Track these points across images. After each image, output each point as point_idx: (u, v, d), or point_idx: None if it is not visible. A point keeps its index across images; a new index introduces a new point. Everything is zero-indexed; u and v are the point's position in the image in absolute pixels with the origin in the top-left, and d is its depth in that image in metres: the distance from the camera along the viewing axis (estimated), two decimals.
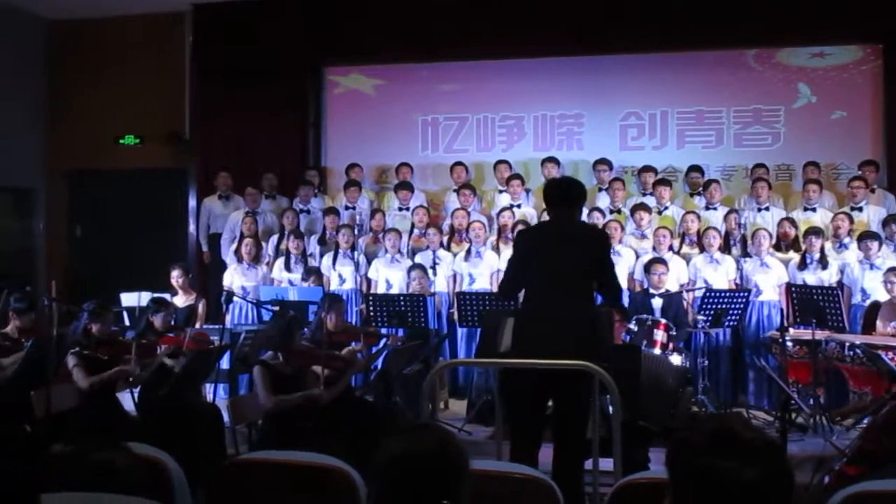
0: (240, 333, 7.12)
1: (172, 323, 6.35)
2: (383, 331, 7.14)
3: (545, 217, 7.97)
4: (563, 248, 4.48)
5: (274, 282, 8.36)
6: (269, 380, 5.24)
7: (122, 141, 10.55)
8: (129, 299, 8.03)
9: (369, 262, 8.42)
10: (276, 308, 6.57)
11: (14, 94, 10.21)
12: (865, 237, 7.54)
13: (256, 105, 10.26)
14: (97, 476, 2.09)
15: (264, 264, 8.54)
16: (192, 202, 10.26)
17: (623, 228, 8.17)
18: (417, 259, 8.22)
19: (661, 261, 7.57)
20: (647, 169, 9.04)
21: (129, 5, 9.97)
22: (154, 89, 10.41)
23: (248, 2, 9.89)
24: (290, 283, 8.25)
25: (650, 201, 8.60)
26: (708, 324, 7.11)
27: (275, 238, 8.88)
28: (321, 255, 8.56)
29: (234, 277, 8.36)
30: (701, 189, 8.75)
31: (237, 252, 8.50)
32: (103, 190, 10.59)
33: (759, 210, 8.40)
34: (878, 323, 6.95)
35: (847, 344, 6.72)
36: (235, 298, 7.72)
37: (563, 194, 4.70)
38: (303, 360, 5.48)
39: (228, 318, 7.72)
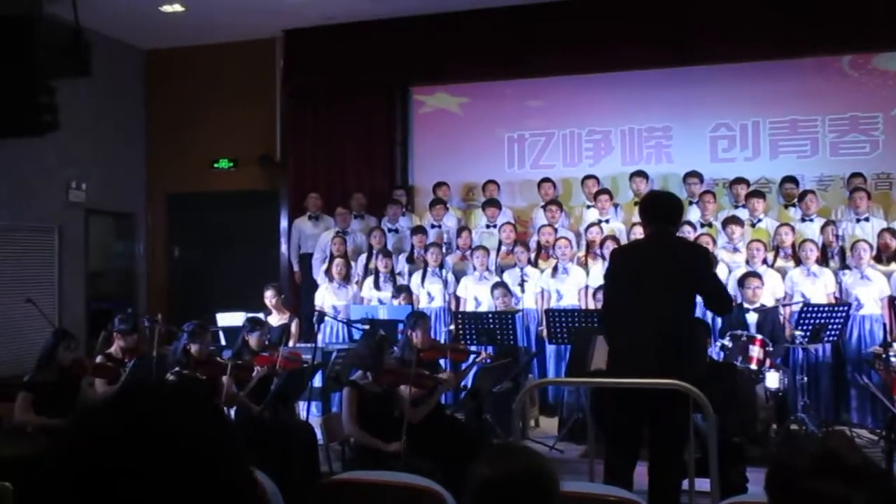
0: (331, 352, 7.24)
1: (267, 342, 6.49)
2: (472, 348, 7.15)
3: (635, 231, 7.95)
4: (661, 266, 4.36)
5: (364, 300, 8.47)
6: (356, 402, 5.29)
7: (216, 165, 10.91)
8: (225, 319, 8.27)
9: (458, 280, 8.46)
10: (366, 327, 6.67)
11: (115, 122, 10.69)
12: None
13: (344, 127, 10.52)
14: None
15: (354, 283, 8.67)
16: (284, 223, 10.52)
17: (715, 242, 8.00)
18: (505, 276, 8.23)
19: (756, 274, 7.38)
20: (739, 181, 8.85)
21: (222, 33, 10.32)
22: (246, 114, 10.75)
23: (335, 26, 10.11)
24: (380, 301, 8.35)
25: (743, 214, 8.41)
26: (806, 339, 6.88)
27: (364, 257, 9.01)
28: (410, 274, 8.65)
29: (326, 297, 8.51)
30: (796, 200, 8.51)
31: (328, 271, 8.66)
32: (199, 212, 10.96)
33: (858, 221, 8.11)
34: None
35: None
36: (327, 318, 7.86)
37: (661, 210, 4.56)
38: (392, 379, 5.53)
39: (320, 336, 7.86)
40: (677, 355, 4.19)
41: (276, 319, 7.91)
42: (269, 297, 8.04)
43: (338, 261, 8.58)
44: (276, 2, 9.11)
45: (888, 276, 7.50)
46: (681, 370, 4.03)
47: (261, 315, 7.57)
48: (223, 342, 7.68)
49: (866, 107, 9.14)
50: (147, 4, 9.36)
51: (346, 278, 8.57)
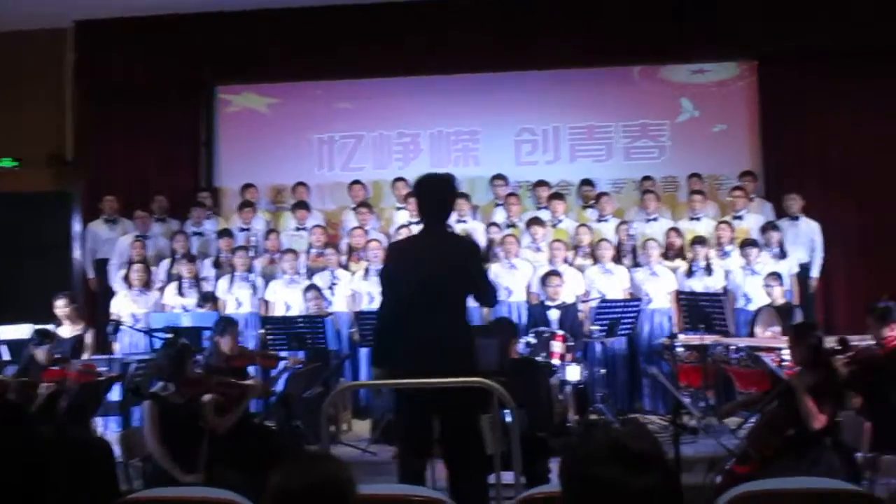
0: (130, 363, 6.88)
1: (58, 355, 6.08)
2: (283, 354, 7.02)
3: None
4: (437, 263, 4.28)
5: (166, 308, 8.13)
6: (158, 416, 5.05)
7: None
8: (9, 332, 7.65)
9: (266, 284, 8.29)
10: (168, 335, 6.39)
11: None
12: (746, 245, 7.90)
13: (145, 125, 10.04)
14: None
15: (156, 290, 8.30)
16: (77, 227, 9.88)
17: (519, 242, 8.29)
18: (316, 279, 8.15)
19: (557, 273, 7.73)
20: (541, 183, 9.23)
21: (4, 22, 9.55)
22: (34, 109, 10.00)
23: (134, 18, 9.62)
24: (184, 308, 8.03)
25: (545, 215, 8.77)
26: (603, 333, 7.28)
27: (166, 262, 8.63)
28: (216, 279, 8.38)
29: (124, 304, 8.10)
30: (593, 202, 8.99)
31: (126, 278, 8.24)
32: None
33: (648, 221, 8.68)
34: (757, 328, 7.28)
35: (733, 347, 6.99)
36: (123, 327, 7.47)
37: (436, 197, 4.43)
38: (196, 388, 5.32)
39: (118, 347, 7.47)
40: (462, 352, 4.24)
41: (68, 331, 7.42)
42: (61, 306, 7.51)
43: (137, 266, 8.18)
44: None
45: (674, 271, 8.07)
46: (468, 367, 4.10)
47: (51, 326, 7.07)
48: (8, 357, 7.11)
49: (655, 115, 9.80)
50: None
51: (147, 285, 8.20)
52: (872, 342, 5.76)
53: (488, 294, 4.55)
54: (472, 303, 4.61)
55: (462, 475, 4.24)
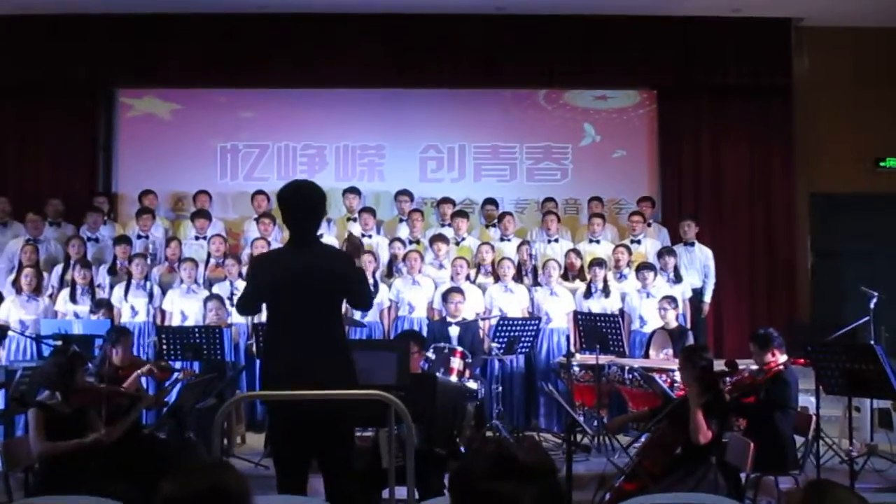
0: (16, 371, 6.59)
1: None
2: (177, 364, 6.85)
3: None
4: (308, 274, 4.08)
5: (58, 314, 7.84)
6: (43, 423, 4.87)
7: None
8: None
9: (164, 293, 8.09)
10: (58, 343, 6.15)
11: None
12: (642, 268, 8.13)
13: (40, 126, 9.78)
14: None
15: (47, 296, 8.00)
16: None
17: (422, 258, 8.33)
18: (215, 290, 7.99)
19: (459, 290, 7.79)
20: (446, 201, 9.32)
21: None
22: None
23: (32, 16, 9.30)
24: (77, 315, 7.76)
25: (448, 232, 8.84)
26: (502, 351, 7.36)
27: (59, 268, 8.33)
28: (111, 287, 8.13)
29: (12, 310, 7.77)
30: (496, 221, 9.12)
31: (16, 283, 7.91)
32: None
33: (549, 241, 8.86)
34: (651, 351, 7.50)
35: (627, 367, 7.17)
36: (11, 333, 7.18)
37: (303, 207, 4.19)
38: (84, 398, 5.14)
39: (3, 353, 7.14)
40: (339, 366, 4.10)
41: None
42: None
43: (28, 271, 7.86)
44: None
45: (573, 292, 8.24)
46: (347, 380, 4.02)
47: None
48: None
49: (558, 138, 10.07)
50: None
51: (37, 290, 7.89)
52: (755, 367, 6.01)
53: (363, 296, 4.35)
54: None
55: (342, 489, 4.18)
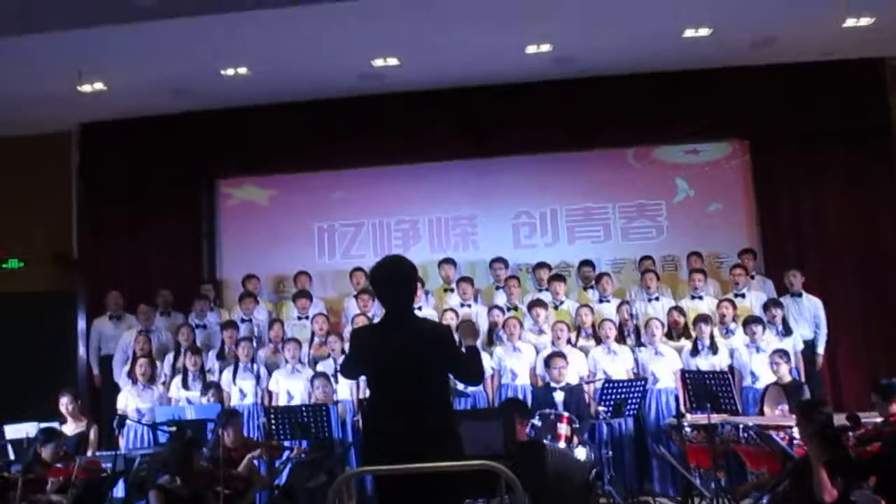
0: (135, 458, 6.82)
1: (62, 453, 6.04)
2: (286, 444, 6.98)
3: (447, 317, 8.13)
4: (403, 348, 4.08)
5: (172, 401, 8.10)
6: None
7: (5, 266, 10.22)
8: (14, 431, 7.60)
9: (270, 375, 8.28)
10: (173, 429, 6.36)
11: None
12: (750, 322, 7.91)
13: (148, 221, 10.25)
14: None
15: (160, 384, 8.29)
16: (82, 324, 9.93)
17: (521, 325, 8.32)
18: (319, 367, 8.15)
19: (561, 354, 7.74)
20: (542, 265, 9.32)
21: (11, 126, 9.80)
22: (39, 210, 10.21)
23: (135, 119, 9.88)
24: (189, 401, 8.01)
25: (546, 297, 8.83)
26: (609, 414, 7.24)
27: (171, 356, 8.66)
28: (220, 371, 8.38)
29: (129, 400, 8.08)
30: (593, 282, 9.05)
31: (131, 373, 8.25)
32: None
33: (650, 300, 8.72)
34: (766, 408, 7.24)
35: (741, 426, 6.93)
36: (129, 422, 7.45)
37: (393, 284, 4.20)
38: (201, 481, 5.30)
39: (122, 442, 7.43)
40: (444, 440, 4.05)
41: (72, 427, 7.39)
42: (65, 403, 7.51)
43: (141, 361, 8.19)
44: (71, 93, 8.77)
45: (679, 350, 8.06)
46: (451, 451, 3.97)
47: (55, 424, 7.04)
48: (12, 456, 7.05)
49: (651, 195, 9.97)
50: None
51: (152, 379, 8.19)
52: (880, 419, 5.73)
53: (469, 370, 4.32)
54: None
55: None
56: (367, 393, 4.39)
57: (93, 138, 10.16)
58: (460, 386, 7.48)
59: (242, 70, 8.76)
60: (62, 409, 7.50)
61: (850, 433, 5.47)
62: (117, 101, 9.23)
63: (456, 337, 4.45)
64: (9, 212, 10.14)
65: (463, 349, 4.40)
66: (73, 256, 10.23)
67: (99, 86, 8.79)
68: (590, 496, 6.21)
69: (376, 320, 8.48)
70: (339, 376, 7.93)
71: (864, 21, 8.30)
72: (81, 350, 9.79)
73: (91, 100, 9.06)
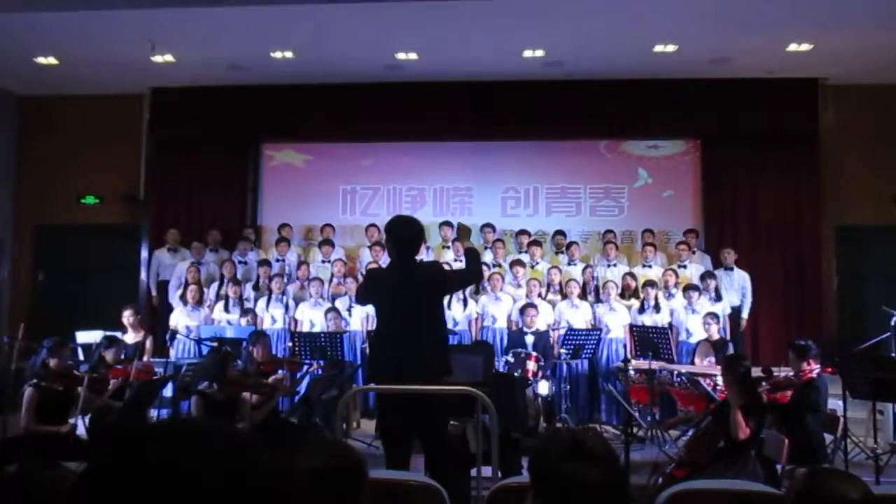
0: (182, 366, 6.84)
1: (122, 357, 6.04)
2: (307, 361, 6.98)
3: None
4: (408, 285, 4.08)
5: (214, 322, 8.10)
6: (203, 411, 5.04)
7: (83, 200, 10.14)
8: (84, 337, 7.60)
9: (297, 306, 8.27)
10: (214, 344, 6.36)
11: None
12: (688, 288, 7.90)
13: (203, 173, 10.13)
14: (46, 493, 1.95)
15: (206, 307, 8.28)
16: (144, 253, 9.89)
17: (503, 279, 8.29)
18: (336, 303, 8.13)
19: (533, 305, 7.72)
20: (523, 232, 9.26)
21: (94, 86, 9.65)
22: (114, 157, 10.11)
23: (198, 87, 9.73)
24: (229, 322, 8.01)
25: (525, 258, 8.78)
26: (569, 356, 7.25)
27: (216, 285, 8.63)
28: (256, 300, 8.37)
29: (180, 318, 8.07)
30: (564, 248, 9.01)
31: (183, 296, 8.23)
32: (65, 242, 10.08)
33: (609, 266, 8.69)
34: (696, 359, 7.25)
35: (676, 372, 6.96)
36: (179, 336, 7.45)
37: (405, 235, 4.16)
38: (234, 387, 5.31)
39: (173, 352, 7.43)
40: (438, 370, 4.06)
41: (132, 337, 7.38)
42: (127, 315, 7.49)
43: (192, 287, 8.17)
44: (145, 62, 8.62)
45: (629, 308, 8.06)
46: (440, 370, 4.00)
47: (118, 333, 7.03)
48: (81, 357, 7.06)
49: (616, 180, 9.88)
50: (22, 55, 8.59)
51: (200, 302, 8.18)
52: (791, 373, 5.74)
53: (467, 275, 4.36)
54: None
55: (439, 466, 4.17)
56: (375, 325, 4.37)
57: (161, 101, 10.00)
58: (449, 325, 7.48)
59: (289, 54, 8.60)
60: (124, 320, 7.48)
61: (764, 383, 5.47)
62: (183, 71, 9.07)
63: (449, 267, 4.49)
64: (89, 157, 10.04)
65: (462, 252, 4.43)
66: (140, 198, 10.15)
67: (168, 58, 8.64)
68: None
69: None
70: (353, 309, 7.95)
71: (805, 47, 8.17)
72: (143, 275, 9.77)
73: (161, 69, 8.90)
